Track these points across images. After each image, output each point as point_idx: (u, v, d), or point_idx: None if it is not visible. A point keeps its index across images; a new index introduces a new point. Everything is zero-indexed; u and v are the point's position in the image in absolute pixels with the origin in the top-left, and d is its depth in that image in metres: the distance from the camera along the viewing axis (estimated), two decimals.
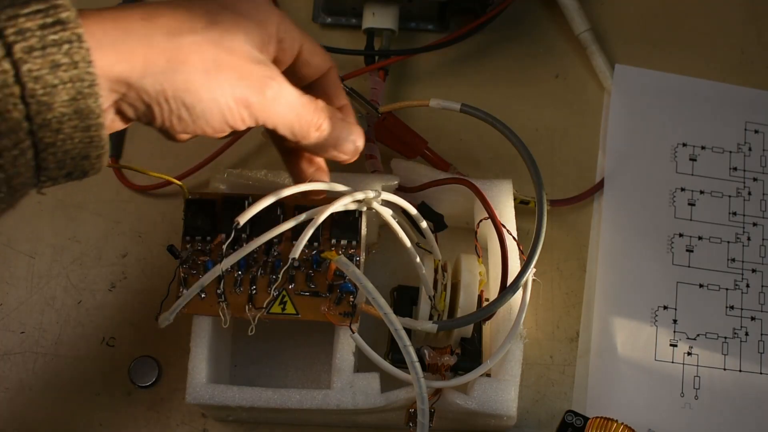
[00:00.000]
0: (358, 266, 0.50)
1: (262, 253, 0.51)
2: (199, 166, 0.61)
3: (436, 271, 0.53)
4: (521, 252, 0.53)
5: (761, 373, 0.58)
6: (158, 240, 0.61)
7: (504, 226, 0.52)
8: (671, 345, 0.58)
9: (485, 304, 0.53)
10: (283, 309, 0.51)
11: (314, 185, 0.50)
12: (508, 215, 0.54)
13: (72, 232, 0.61)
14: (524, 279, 0.50)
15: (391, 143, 0.59)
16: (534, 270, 0.51)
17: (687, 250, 0.60)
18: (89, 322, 0.59)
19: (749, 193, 0.62)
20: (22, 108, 0.35)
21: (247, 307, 0.50)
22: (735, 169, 0.63)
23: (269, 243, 0.50)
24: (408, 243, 0.51)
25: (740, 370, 0.58)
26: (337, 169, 0.55)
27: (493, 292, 0.52)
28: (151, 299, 0.59)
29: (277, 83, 0.42)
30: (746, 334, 0.59)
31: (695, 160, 0.63)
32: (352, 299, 0.50)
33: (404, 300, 0.54)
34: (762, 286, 0.60)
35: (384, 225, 0.52)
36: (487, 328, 0.55)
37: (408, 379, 0.48)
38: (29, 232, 0.61)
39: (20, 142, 0.35)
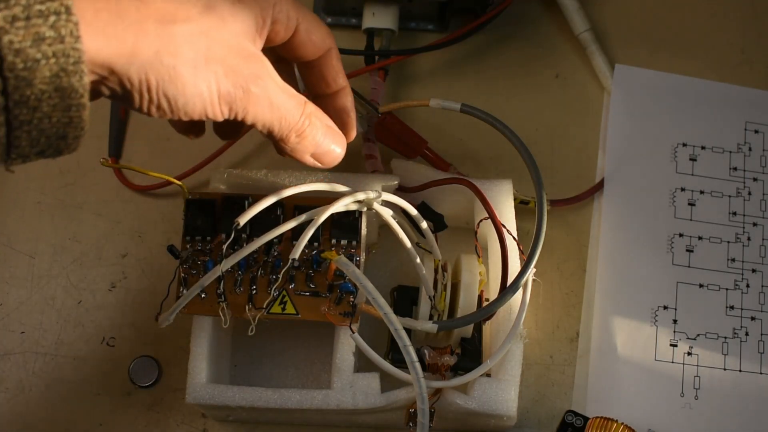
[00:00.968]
0: (358, 266, 0.50)
1: (262, 254, 0.51)
2: (199, 166, 0.61)
3: (436, 271, 0.53)
4: (521, 252, 0.53)
5: (761, 373, 0.58)
6: (158, 240, 0.61)
7: (504, 226, 0.52)
8: (671, 345, 0.58)
9: (485, 304, 0.53)
10: (283, 309, 0.51)
11: (314, 185, 0.51)
12: (508, 215, 0.54)
13: (72, 232, 0.61)
14: (524, 279, 0.50)
15: (391, 143, 0.59)
16: (534, 270, 0.51)
17: (687, 250, 0.60)
18: (89, 322, 0.59)
19: (749, 193, 0.62)
20: None
21: (247, 307, 0.50)
22: (735, 169, 0.63)
23: (269, 243, 0.50)
24: (408, 243, 0.51)
25: (740, 370, 0.58)
26: (337, 169, 0.55)
27: (493, 292, 0.52)
28: (151, 299, 0.59)
29: (264, 82, 0.41)
30: (746, 334, 0.59)
31: (695, 160, 0.63)
32: (352, 299, 0.50)
33: (404, 300, 0.54)
34: (762, 286, 0.60)
35: (384, 225, 0.52)
36: (487, 328, 0.55)
37: (408, 379, 0.48)
38: (29, 232, 0.61)
39: None
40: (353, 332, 0.50)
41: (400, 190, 0.55)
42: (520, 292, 0.51)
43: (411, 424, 0.49)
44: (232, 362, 0.57)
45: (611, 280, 0.59)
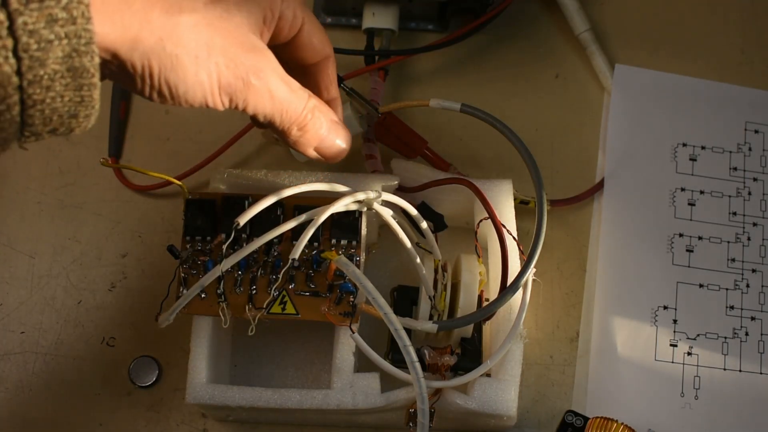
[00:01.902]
0: (358, 266, 0.50)
1: (262, 254, 0.51)
2: (199, 166, 0.61)
3: (436, 271, 0.53)
4: (521, 252, 0.53)
5: (761, 373, 0.58)
6: (158, 240, 0.61)
7: (504, 226, 0.52)
8: (671, 345, 0.58)
9: (485, 304, 0.53)
10: (283, 309, 0.51)
11: (314, 185, 0.50)
12: (508, 215, 0.54)
13: (72, 232, 0.61)
14: (524, 279, 0.50)
15: (391, 143, 0.59)
16: (534, 270, 0.51)
17: (687, 250, 0.60)
18: (89, 322, 0.59)
19: (749, 193, 0.62)
20: (13, 62, 0.33)
21: (247, 307, 0.50)
22: (735, 169, 0.63)
23: (269, 243, 0.50)
24: (408, 243, 0.51)
25: (740, 370, 0.58)
26: (337, 169, 0.55)
27: (493, 292, 0.52)
28: (151, 299, 0.59)
29: (265, 74, 0.42)
30: (746, 334, 0.59)
31: (695, 160, 0.63)
32: (352, 299, 0.50)
33: (404, 300, 0.54)
34: (762, 286, 0.60)
35: (384, 225, 0.52)
36: (487, 328, 0.55)
37: (408, 379, 0.48)
38: (29, 232, 0.61)
39: (7, 98, 0.34)
40: (353, 332, 0.50)
41: (400, 190, 0.55)
42: (520, 292, 0.51)
43: (411, 424, 0.50)
44: (232, 362, 0.57)
45: (611, 280, 0.59)
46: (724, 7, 0.67)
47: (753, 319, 0.59)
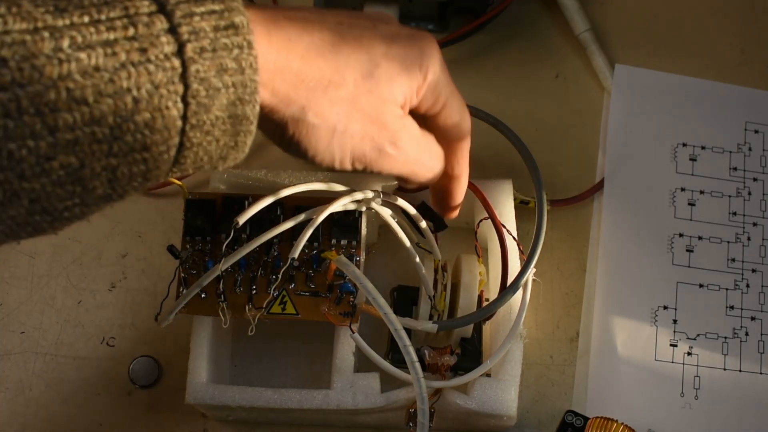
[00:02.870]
0: (358, 266, 0.50)
1: (262, 253, 0.51)
2: None
3: (436, 271, 0.53)
4: (521, 252, 0.53)
5: (761, 373, 0.58)
6: (158, 240, 0.61)
7: (504, 226, 0.52)
8: (671, 345, 0.58)
9: (485, 304, 0.53)
10: (283, 309, 0.51)
11: (314, 185, 0.51)
12: (508, 215, 0.54)
13: (72, 232, 0.61)
14: (524, 279, 0.50)
15: None
16: (534, 270, 0.51)
17: (687, 250, 0.60)
18: (89, 322, 0.59)
19: (749, 193, 0.62)
20: (181, 107, 0.34)
21: (247, 307, 0.50)
22: (735, 169, 0.63)
23: (269, 243, 0.50)
24: (408, 243, 0.51)
25: (740, 370, 0.58)
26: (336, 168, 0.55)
27: (493, 292, 0.52)
28: (151, 299, 0.59)
29: (402, 142, 0.43)
30: (746, 334, 0.59)
31: (695, 160, 0.63)
32: (352, 299, 0.50)
33: (404, 300, 0.54)
34: (762, 286, 0.60)
35: (384, 225, 0.52)
36: (487, 328, 0.55)
37: (408, 379, 0.48)
38: None
39: (169, 139, 0.35)
40: (353, 332, 0.50)
41: (399, 190, 0.55)
42: (520, 292, 0.51)
43: (411, 424, 0.49)
44: (232, 362, 0.57)
45: (611, 280, 0.59)
46: (723, 7, 0.67)
47: (753, 319, 0.59)
